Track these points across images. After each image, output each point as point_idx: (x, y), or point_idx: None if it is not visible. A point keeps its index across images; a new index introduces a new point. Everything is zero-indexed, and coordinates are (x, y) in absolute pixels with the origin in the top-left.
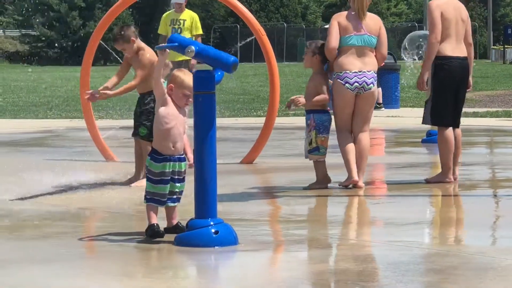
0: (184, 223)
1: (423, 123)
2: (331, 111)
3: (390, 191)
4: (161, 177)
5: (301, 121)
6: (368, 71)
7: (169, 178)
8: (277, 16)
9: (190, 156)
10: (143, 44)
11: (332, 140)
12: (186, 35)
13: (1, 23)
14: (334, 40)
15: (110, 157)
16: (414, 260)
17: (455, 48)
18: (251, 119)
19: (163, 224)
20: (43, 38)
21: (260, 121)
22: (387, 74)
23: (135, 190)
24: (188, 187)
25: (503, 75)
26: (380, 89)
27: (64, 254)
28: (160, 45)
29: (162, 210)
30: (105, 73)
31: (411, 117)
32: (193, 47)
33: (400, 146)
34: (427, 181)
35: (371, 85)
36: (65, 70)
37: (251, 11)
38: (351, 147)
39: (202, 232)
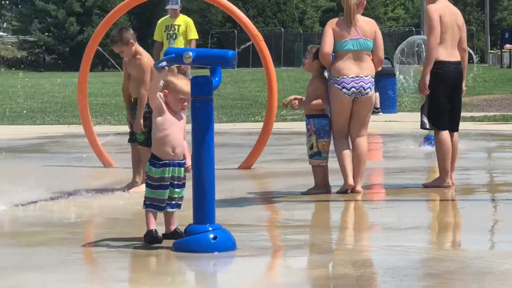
0: (182, 228)
1: (421, 128)
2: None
3: (388, 196)
4: (161, 182)
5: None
6: (365, 76)
7: (169, 183)
8: (274, 21)
9: (188, 161)
10: (140, 49)
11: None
12: (181, 40)
13: None
14: (327, 46)
15: (108, 163)
16: (412, 265)
17: (450, 53)
18: (249, 124)
19: (161, 230)
20: (41, 44)
21: (258, 126)
22: (384, 79)
23: (134, 195)
24: (186, 193)
25: (500, 79)
26: (377, 94)
27: (63, 260)
28: (158, 62)
29: (160, 216)
30: (103, 78)
31: (408, 121)
32: (190, 53)
33: (397, 150)
34: (425, 186)
35: (368, 89)
36: (63, 76)
37: (248, 16)
38: (347, 152)
39: (201, 238)
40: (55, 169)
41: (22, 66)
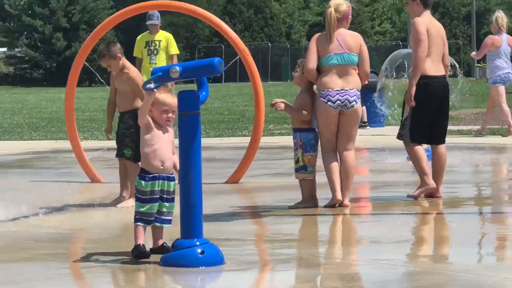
0: (170, 243)
1: (399, 138)
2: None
3: (375, 210)
4: (151, 196)
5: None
6: (350, 89)
7: (158, 196)
8: (261, 35)
9: (176, 175)
10: (128, 63)
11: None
12: (163, 55)
13: None
14: (311, 62)
15: (96, 178)
16: (399, 278)
17: (437, 67)
18: (236, 139)
19: (150, 245)
20: (28, 59)
21: (245, 140)
22: (370, 93)
23: (121, 210)
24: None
25: (486, 93)
26: (364, 107)
27: (50, 275)
28: (146, 83)
29: (148, 230)
30: (90, 93)
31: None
32: (176, 67)
33: (385, 164)
34: (412, 197)
35: (354, 102)
36: (50, 91)
37: (235, 31)
38: (335, 166)
39: (188, 252)
40: (43, 185)
41: (9, 81)
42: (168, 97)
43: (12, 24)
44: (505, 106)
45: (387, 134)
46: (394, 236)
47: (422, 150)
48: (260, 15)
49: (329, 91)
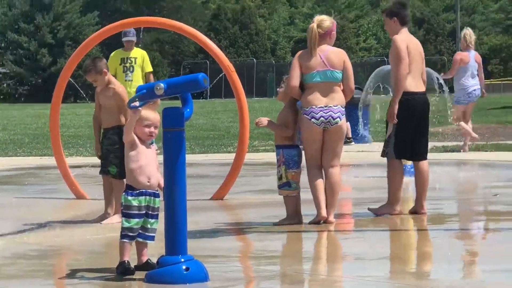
0: (154, 260)
1: (383, 156)
2: (301, 147)
3: (360, 226)
4: (137, 211)
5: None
6: (334, 106)
7: (144, 212)
8: (246, 51)
9: (161, 192)
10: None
11: (303, 175)
12: (139, 72)
13: None
14: (294, 79)
15: (80, 194)
16: None
17: (417, 83)
18: (221, 155)
19: (134, 262)
20: (13, 75)
21: (230, 157)
22: (355, 110)
23: (106, 227)
24: (158, 224)
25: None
26: (348, 123)
27: None
28: (131, 101)
29: (133, 247)
30: (75, 110)
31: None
32: (161, 84)
33: (370, 180)
34: (374, 212)
35: (338, 119)
36: (35, 108)
37: (220, 47)
38: (320, 183)
39: (173, 269)
40: (27, 201)
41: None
42: (150, 113)
43: None
44: (464, 125)
45: (373, 150)
46: (378, 253)
47: (402, 175)
48: (245, 31)
49: (312, 108)
